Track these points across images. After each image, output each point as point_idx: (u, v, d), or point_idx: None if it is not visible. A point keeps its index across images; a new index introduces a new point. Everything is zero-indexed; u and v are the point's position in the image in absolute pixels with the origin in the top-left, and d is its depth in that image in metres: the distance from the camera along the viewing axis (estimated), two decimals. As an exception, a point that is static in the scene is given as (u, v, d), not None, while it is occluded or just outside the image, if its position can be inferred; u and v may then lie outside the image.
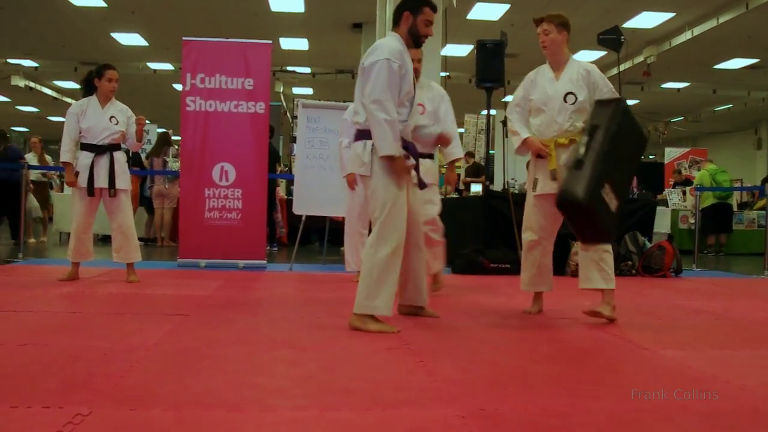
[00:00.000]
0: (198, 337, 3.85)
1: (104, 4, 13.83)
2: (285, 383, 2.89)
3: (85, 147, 6.15)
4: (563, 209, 4.42)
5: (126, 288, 5.90)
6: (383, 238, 4.05)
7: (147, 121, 6.53)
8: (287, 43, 16.53)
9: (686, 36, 14.85)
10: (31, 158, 12.40)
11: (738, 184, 20.34)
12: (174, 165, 11.84)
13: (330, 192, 7.65)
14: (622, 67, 14.39)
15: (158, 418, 2.39)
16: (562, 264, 7.82)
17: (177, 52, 9.58)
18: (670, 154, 20.34)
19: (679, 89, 20.38)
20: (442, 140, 5.55)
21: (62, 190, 12.86)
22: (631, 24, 14.20)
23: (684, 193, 14.79)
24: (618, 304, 4.63)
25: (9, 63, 19.08)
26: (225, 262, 7.87)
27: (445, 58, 10.53)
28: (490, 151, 11.22)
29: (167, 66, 18.78)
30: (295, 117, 12.09)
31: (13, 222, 10.87)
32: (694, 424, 2.48)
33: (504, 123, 9.86)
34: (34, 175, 11.84)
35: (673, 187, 15.56)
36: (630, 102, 9.40)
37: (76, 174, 6.11)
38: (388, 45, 4.15)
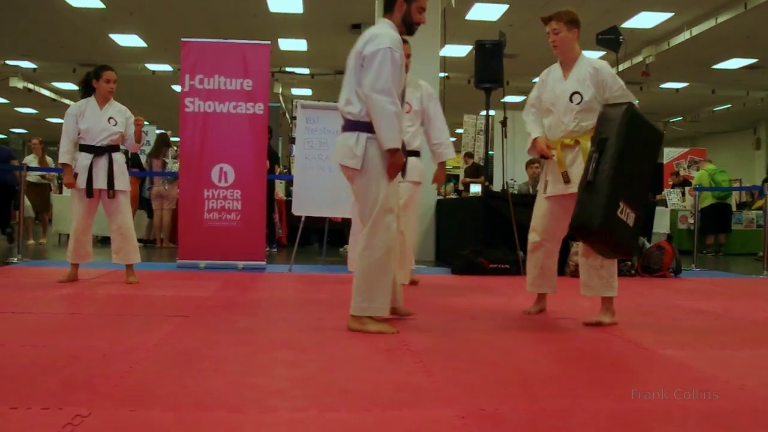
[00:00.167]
0: (198, 338, 3.85)
1: (102, 6, 13.82)
2: (284, 384, 2.89)
3: (83, 148, 6.14)
4: (579, 235, 4.37)
5: (125, 289, 5.90)
6: (378, 237, 3.99)
7: (145, 123, 6.53)
8: (286, 44, 16.53)
9: (685, 36, 14.85)
10: (31, 160, 12.41)
11: (737, 184, 20.35)
12: (173, 166, 11.84)
13: (329, 193, 7.64)
14: (621, 68, 14.43)
15: (158, 419, 2.38)
16: (561, 264, 7.80)
17: (175, 53, 9.57)
18: (669, 154, 20.35)
19: (677, 89, 20.39)
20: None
21: (60, 192, 12.85)
22: (629, 24, 14.20)
23: (683, 193, 14.81)
24: (617, 304, 4.62)
25: (7, 64, 19.07)
26: (224, 263, 7.87)
27: (444, 59, 10.54)
28: (489, 152, 11.21)
29: (166, 67, 18.77)
30: (294, 118, 12.08)
31: (2, 217, 10.86)
32: (694, 424, 2.48)
33: (503, 123, 9.90)
34: (33, 176, 11.85)
35: (672, 187, 15.57)
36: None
37: (75, 175, 6.11)
38: (387, 33, 4.01)
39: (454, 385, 2.94)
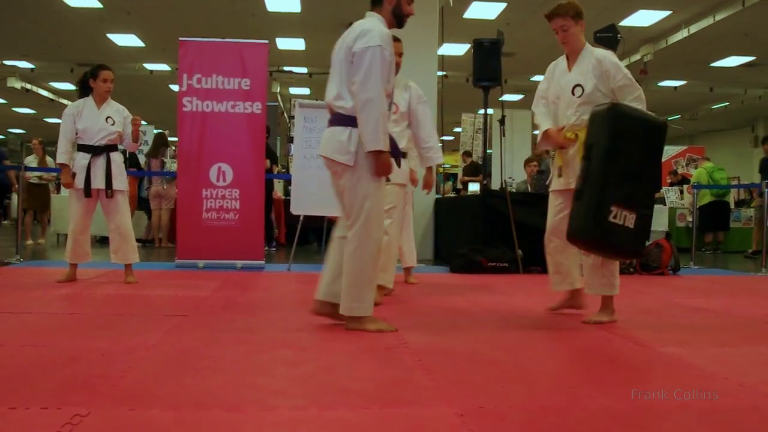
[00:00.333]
0: (197, 337, 3.85)
1: (100, 5, 13.81)
2: (284, 383, 2.89)
3: (81, 148, 6.14)
4: (575, 244, 4.35)
5: (124, 289, 5.89)
6: (369, 236, 3.95)
7: (143, 122, 6.52)
8: (284, 43, 16.52)
9: (683, 34, 14.86)
10: (31, 160, 12.42)
11: (735, 182, 20.37)
12: (172, 166, 11.84)
13: (328, 192, 7.53)
14: (619, 66, 14.40)
15: (157, 418, 2.38)
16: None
17: (173, 52, 9.58)
18: (668, 152, 20.35)
19: (675, 87, 20.40)
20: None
21: (58, 192, 12.85)
22: (627, 22, 14.21)
23: (681, 191, 14.81)
24: (616, 302, 4.62)
25: (5, 65, 19.06)
26: (223, 263, 7.87)
27: (442, 57, 10.55)
28: (488, 150, 11.21)
29: (164, 67, 18.77)
30: (292, 117, 12.07)
31: None
32: (694, 421, 2.48)
33: (501, 122, 9.91)
34: (33, 177, 11.86)
35: (671, 186, 15.58)
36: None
37: (73, 175, 6.10)
38: (378, 30, 3.92)
39: (453, 383, 2.94)
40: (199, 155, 7.98)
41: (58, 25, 15.19)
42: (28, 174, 11.61)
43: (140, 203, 12.05)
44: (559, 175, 4.62)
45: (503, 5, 13.54)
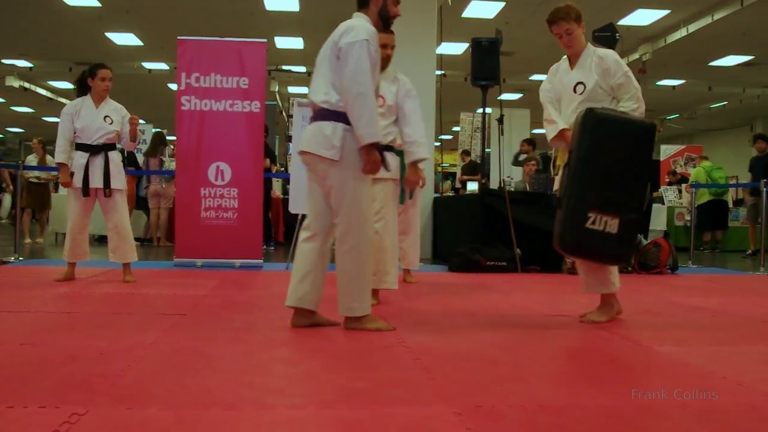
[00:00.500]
0: (195, 336, 3.85)
1: (98, 4, 13.80)
2: (282, 382, 2.89)
3: (79, 147, 6.13)
4: (560, 252, 4.33)
5: (122, 288, 5.89)
6: (362, 235, 3.91)
7: (141, 121, 6.51)
8: (282, 42, 16.52)
9: (681, 33, 14.86)
10: (32, 159, 12.43)
11: (733, 181, 20.38)
12: (171, 164, 11.83)
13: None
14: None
15: (155, 417, 2.38)
16: (558, 262, 7.83)
17: (172, 51, 9.56)
18: (666, 151, 20.35)
19: (674, 86, 20.41)
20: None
21: (56, 191, 12.85)
22: (626, 21, 14.20)
23: (680, 190, 14.82)
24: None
25: (3, 63, 19.04)
26: (221, 262, 7.87)
27: (441, 57, 10.53)
28: (486, 150, 11.22)
29: (162, 65, 18.76)
30: (291, 116, 12.08)
31: None
32: (692, 420, 2.48)
33: (499, 121, 9.92)
34: (33, 176, 11.87)
35: (669, 185, 15.59)
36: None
37: (71, 174, 6.10)
38: (364, 26, 3.90)
39: (451, 382, 2.94)
40: (198, 154, 7.97)
41: (57, 24, 15.18)
42: (28, 173, 11.62)
43: (138, 202, 12.04)
44: (556, 174, 4.62)
45: (502, 4, 13.54)
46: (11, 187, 11.44)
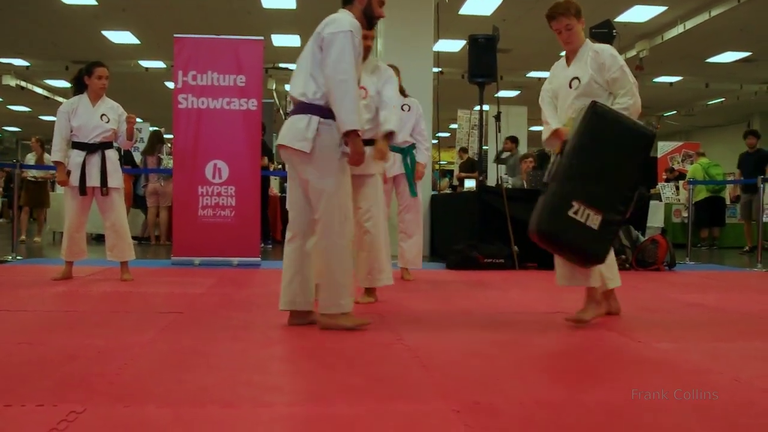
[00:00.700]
0: (193, 334, 3.85)
1: (95, 2, 13.77)
2: (280, 380, 2.89)
3: (76, 145, 6.12)
4: (534, 240, 4.15)
5: (120, 286, 5.89)
6: (342, 229, 3.86)
7: (138, 120, 6.51)
8: (279, 40, 16.49)
9: (678, 30, 14.86)
10: (30, 158, 12.43)
11: (731, 178, 20.40)
12: (169, 163, 11.83)
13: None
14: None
15: (153, 415, 2.38)
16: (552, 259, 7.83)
17: (169, 49, 9.55)
18: (664, 148, 20.38)
19: (671, 83, 20.40)
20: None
21: (53, 189, 12.85)
22: (623, 18, 14.20)
23: (677, 187, 14.83)
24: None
25: (0, 62, 19.01)
26: (219, 260, 7.87)
27: (438, 54, 10.53)
28: (484, 147, 11.23)
29: (159, 64, 18.73)
30: (288, 114, 12.08)
31: None
32: (689, 416, 2.49)
33: (497, 118, 9.92)
34: (29, 174, 11.87)
35: (666, 182, 15.61)
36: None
37: (68, 173, 6.09)
38: (348, 18, 3.89)
39: (449, 378, 2.94)
40: (195, 152, 7.97)
41: (54, 23, 15.15)
42: (26, 172, 11.62)
43: (136, 201, 12.03)
44: None
45: (499, 1, 13.53)
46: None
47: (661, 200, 14.01)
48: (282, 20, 14.91)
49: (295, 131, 3.86)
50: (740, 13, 13.52)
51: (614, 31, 9.41)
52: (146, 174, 11.60)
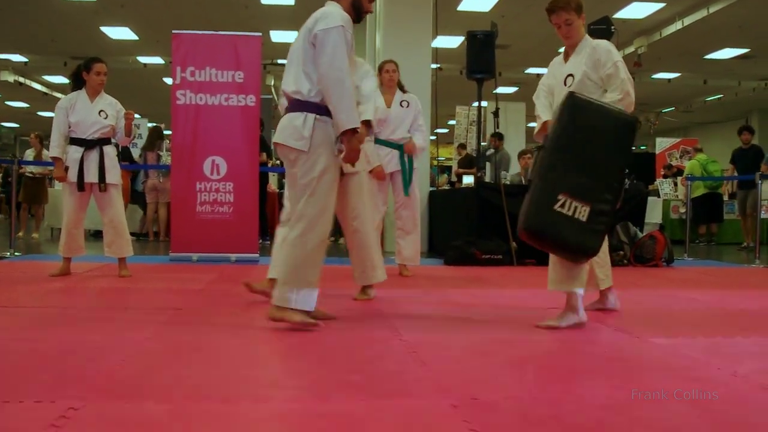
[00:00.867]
0: (191, 330, 3.85)
1: (93, -2, 13.77)
2: (278, 375, 2.89)
3: (74, 141, 6.11)
4: (523, 238, 4.05)
5: (118, 282, 5.89)
6: (315, 224, 3.77)
7: (137, 116, 6.50)
8: (277, 36, 16.47)
9: (677, 26, 14.85)
10: (29, 154, 12.42)
11: (728, 174, 20.40)
12: (168, 159, 11.81)
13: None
14: (613, 58, 14.40)
15: (151, 410, 2.38)
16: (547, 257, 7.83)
17: (167, 45, 9.55)
18: (662, 144, 20.39)
19: (669, 80, 20.40)
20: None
21: (51, 185, 12.85)
22: (621, 14, 14.19)
23: (675, 183, 14.84)
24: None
25: (-2, 58, 19.02)
26: (217, 256, 7.86)
27: (436, 50, 10.52)
28: (482, 143, 11.22)
29: (157, 60, 18.70)
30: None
31: None
32: (687, 410, 2.49)
33: (495, 114, 9.92)
34: (27, 170, 11.86)
35: (664, 178, 15.61)
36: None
37: (66, 169, 6.09)
38: (339, 12, 3.83)
39: (447, 374, 2.95)
40: (193, 148, 7.96)
41: (52, 18, 15.13)
42: (24, 168, 11.61)
43: (134, 197, 12.02)
44: None
45: (497, -2, 13.53)
46: None
47: (659, 196, 14.02)
48: (280, 16, 14.89)
49: (291, 129, 3.84)
50: (738, 9, 13.51)
51: (613, 27, 9.42)
52: (146, 170, 11.58)
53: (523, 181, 10.69)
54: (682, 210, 13.36)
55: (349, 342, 3.60)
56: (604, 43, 4.27)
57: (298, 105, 3.86)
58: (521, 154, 11.57)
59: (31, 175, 11.99)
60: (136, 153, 12.84)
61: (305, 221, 3.77)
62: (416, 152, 6.63)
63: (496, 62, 8.73)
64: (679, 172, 15.82)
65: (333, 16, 3.79)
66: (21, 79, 20.73)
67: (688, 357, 3.37)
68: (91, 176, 6.07)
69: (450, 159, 22.32)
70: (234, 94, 7.97)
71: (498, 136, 11.92)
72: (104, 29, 16.12)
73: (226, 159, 7.98)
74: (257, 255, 8.03)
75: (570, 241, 3.84)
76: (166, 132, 13.13)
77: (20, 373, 2.83)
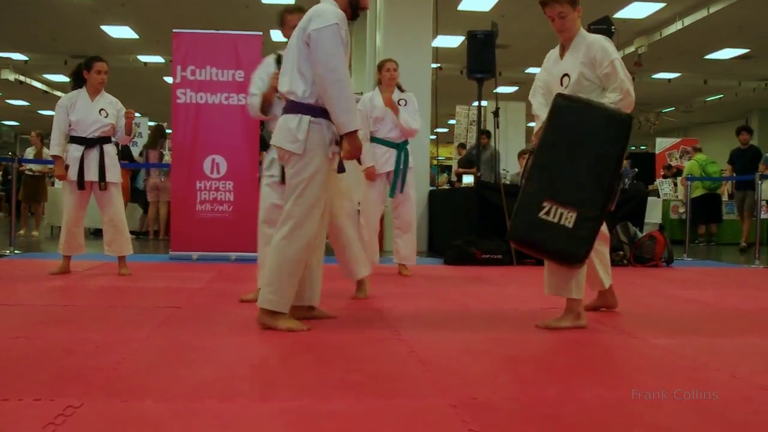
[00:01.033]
0: (190, 329, 3.85)
1: (93, -3, 13.78)
2: (277, 374, 2.89)
3: (74, 140, 6.12)
4: (513, 245, 4.09)
5: (118, 281, 5.89)
6: (300, 228, 3.73)
7: (137, 115, 6.50)
8: (278, 35, 16.41)
9: (677, 26, 14.86)
10: (30, 152, 12.42)
11: (727, 174, 20.39)
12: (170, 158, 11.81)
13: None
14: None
15: (150, 409, 2.38)
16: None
17: (167, 44, 9.55)
18: (662, 144, 20.39)
19: (670, 80, 20.41)
20: None
21: (52, 184, 12.86)
22: (621, 14, 14.20)
23: (675, 184, 14.84)
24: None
25: (-2, 56, 19.02)
26: (217, 255, 7.87)
27: (436, 50, 10.52)
28: (476, 144, 11.22)
29: (158, 59, 18.70)
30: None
31: None
32: (686, 412, 2.49)
33: (495, 114, 9.91)
34: (26, 169, 11.86)
35: (664, 178, 15.61)
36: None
37: (66, 167, 6.09)
38: (333, 10, 3.75)
39: (446, 374, 2.95)
40: (193, 147, 7.97)
41: (52, 17, 15.13)
42: (24, 166, 11.61)
43: (134, 195, 12.03)
44: None
45: (497, -3, 13.53)
46: None
47: (659, 196, 14.02)
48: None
49: (286, 132, 3.80)
50: (739, 9, 13.51)
51: (613, 27, 9.40)
52: (147, 168, 11.59)
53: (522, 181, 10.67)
54: (682, 210, 13.36)
55: (348, 341, 3.60)
56: (599, 40, 4.11)
57: (292, 106, 3.82)
58: (521, 154, 11.55)
59: (30, 173, 11.99)
60: (136, 152, 12.84)
61: (291, 222, 3.75)
62: (406, 127, 6.57)
63: (497, 62, 8.73)
64: (679, 172, 15.82)
65: (326, 14, 3.73)
66: (21, 78, 20.74)
67: (687, 357, 3.37)
68: (92, 175, 6.08)
69: (450, 158, 22.31)
70: (234, 93, 7.98)
71: (486, 134, 11.92)
72: (105, 28, 16.12)
73: (226, 158, 7.99)
74: (257, 254, 8.01)
75: (556, 249, 3.79)
76: (168, 131, 13.15)
77: (19, 371, 2.83)
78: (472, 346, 3.54)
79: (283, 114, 3.90)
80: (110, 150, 6.23)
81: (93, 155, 6.10)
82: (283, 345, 3.47)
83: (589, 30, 4.91)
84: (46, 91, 22.50)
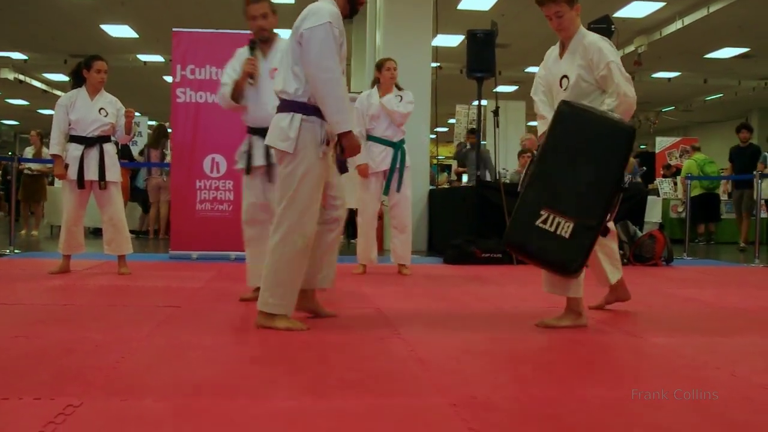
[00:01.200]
0: (190, 328, 3.85)
1: (93, -4, 13.77)
2: (277, 373, 2.89)
3: (74, 139, 6.12)
4: (509, 251, 4.06)
5: (117, 280, 5.89)
6: (295, 232, 3.70)
7: (137, 114, 6.50)
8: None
9: (677, 25, 14.86)
10: (29, 151, 12.42)
11: (726, 173, 20.38)
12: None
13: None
14: (613, 57, 14.40)
15: (150, 408, 2.38)
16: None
17: (167, 43, 9.54)
18: (661, 143, 20.37)
19: (669, 79, 20.41)
20: None
21: (51, 183, 12.86)
22: (621, 13, 14.20)
23: (675, 183, 14.84)
24: (603, 294, 4.64)
25: (-2, 55, 19.01)
26: (217, 254, 7.86)
27: (436, 49, 10.52)
28: (482, 142, 11.21)
29: (157, 58, 18.70)
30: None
31: None
32: (686, 411, 2.49)
33: (495, 113, 9.91)
34: (26, 168, 11.87)
35: (664, 177, 15.61)
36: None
37: (66, 166, 6.09)
38: (327, 8, 3.71)
39: (445, 373, 2.95)
40: (193, 146, 7.97)
41: (52, 16, 15.12)
42: (23, 165, 11.61)
43: (133, 194, 12.02)
44: None
45: (497, -4, 13.53)
46: None
47: (658, 195, 14.02)
48: (280, 15, 14.75)
49: (278, 131, 3.76)
50: (738, 9, 13.51)
51: (613, 26, 9.40)
52: (149, 167, 11.59)
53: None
54: (681, 209, 13.36)
55: (348, 341, 3.60)
56: (597, 42, 4.02)
57: (285, 105, 3.79)
58: (521, 153, 11.55)
59: (29, 172, 11.99)
60: (135, 151, 12.84)
61: (285, 226, 3.71)
62: (390, 109, 6.53)
63: (496, 61, 8.73)
64: (679, 171, 15.83)
65: (320, 12, 3.69)
66: (21, 77, 20.73)
67: (687, 356, 3.37)
68: (91, 174, 6.08)
69: (450, 158, 22.29)
70: (234, 92, 7.96)
71: (472, 132, 11.91)
72: (104, 27, 16.12)
73: (226, 157, 7.97)
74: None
75: (551, 258, 3.75)
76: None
77: (19, 370, 2.83)
78: (472, 346, 3.54)
79: (276, 113, 3.87)
80: (110, 149, 6.23)
81: (93, 154, 6.10)
82: (282, 344, 3.47)
83: (589, 29, 4.88)
84: (45, 91, 22.49)
